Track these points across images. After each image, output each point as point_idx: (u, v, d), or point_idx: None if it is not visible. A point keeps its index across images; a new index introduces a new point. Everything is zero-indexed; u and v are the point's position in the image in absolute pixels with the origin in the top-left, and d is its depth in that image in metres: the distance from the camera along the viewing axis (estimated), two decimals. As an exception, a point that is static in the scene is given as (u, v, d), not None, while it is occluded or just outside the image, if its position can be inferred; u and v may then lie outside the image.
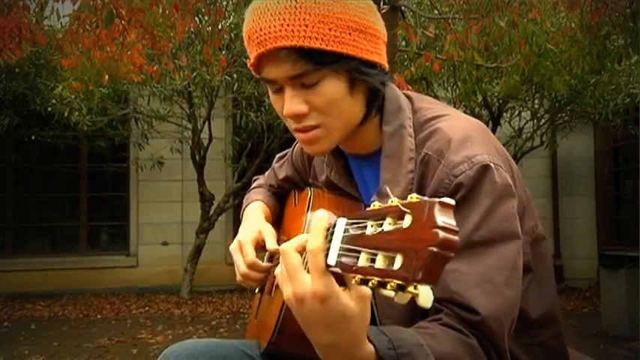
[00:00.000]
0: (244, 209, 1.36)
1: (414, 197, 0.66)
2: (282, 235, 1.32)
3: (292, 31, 0.95)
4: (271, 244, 1.17)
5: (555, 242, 7.97)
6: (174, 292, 7.16)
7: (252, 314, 1.36)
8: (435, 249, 0.61)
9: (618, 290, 4.74)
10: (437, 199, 0.64)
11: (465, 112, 5.45)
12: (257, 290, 1.29)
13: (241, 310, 6.34)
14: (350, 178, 1.18)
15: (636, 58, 5.54)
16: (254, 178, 1.52)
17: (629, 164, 7.94)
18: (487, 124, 6.86)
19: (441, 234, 0.62)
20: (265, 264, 1.18)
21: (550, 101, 7.05)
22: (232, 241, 1.23)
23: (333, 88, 0.99)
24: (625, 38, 4.69)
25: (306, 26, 0.95)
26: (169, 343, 4.48)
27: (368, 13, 1.02)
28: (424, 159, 1.01)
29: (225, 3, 5.85)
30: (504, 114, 7.20)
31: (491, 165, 0.96)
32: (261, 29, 0.96)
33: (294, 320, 0.80)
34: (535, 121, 7.18)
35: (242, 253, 1.17)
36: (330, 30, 0.96)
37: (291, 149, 1.42)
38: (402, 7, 4.89)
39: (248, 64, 1.03)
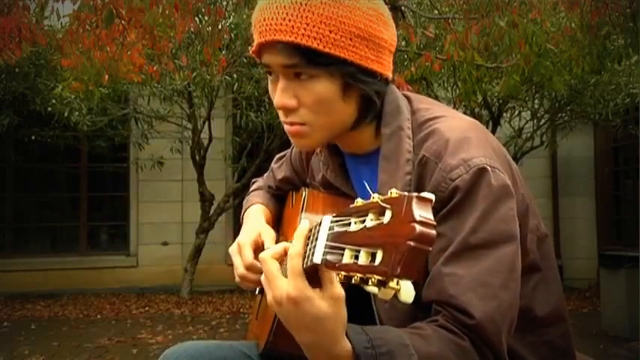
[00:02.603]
0: (244, 212, 1.36)
1: (393, 192, 0.68)
2: (280, 237, 1.32)
3: (292, 27, 0.96)
4: (270, 246, 1.17)
5: (555, 242, 7.97)
6: (174, 292, 7.15)
7: (253, 314, 1.36)
8: (412, 243, 0.63)
9: (618, 290, 4.74)
10: (415, 194, 0.65)
11: (464, 112, 5.46)
12: (257, 291, 1.29)
13: (241, 310, 6.34)
14: (346, 177, 1.18)
15: (636, 58, 5.53)
16: (252, 180, 1.53)
17: (629, 164, 7.93)
18: (487, 124, 6.86)
19: (418, 228, 0.63)
20: None
21: (550, 101, 7.04)
22: (233, 241, 1.23)
23: (324, 88, 1.00)
24: (625, 38, 4.68)
25: (307, 24, 0.96)
26: (169, 343, 4.49)
27: (376, 21, 1.01)
28: (422, 160, 1.02)
29: (225, 3, 5.85)
30: (504, 114, 7.19)
31: (488, 167, 0.96)
32: (264, 19, 0.98)
33: None
34: (535, 121, 7.17)
35: (241, 255, 1.17)
36: (330, 32, 0.96)
37: (289, 150, 1.42)
38: (402, 7, 4.89)
39: (250, 50, 1.05)
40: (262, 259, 0.82)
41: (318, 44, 0.96)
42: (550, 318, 1.08)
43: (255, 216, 1.30)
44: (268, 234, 1.20)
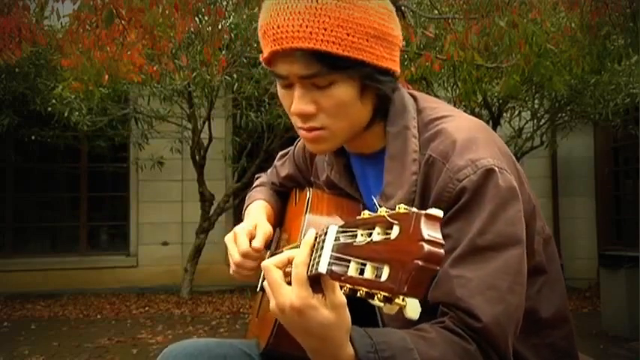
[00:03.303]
0: (246, 207, 1.36)
1: (401, 208, 0.67)
2: (283, 234, 1.31)
3: (310, 33, 0.94)
4: (258, 242, 1.15)
5: (555, 242, 7.85)
6: (174, 292, 7.15)
7: (254, 313, 1.36)
8: (420, 262, 0.63)
9: (618, 290, 4.74)
10: (423, 211, 0.65)
11: (465, 112, 5.45)
12: (258, 289, 1.29)
13: (241, 310, 6.33)
14: (350, 178, 1.17)
15: (636, 58, 5.53)
16: (256, 176, 1.52)
17: (629, 164, 7.93)
18: (487, 124, 6.79)
19: (427, 247, 0.63)
20: (259, 250, 1.16)
21: (550, 101, 7.04)
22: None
23: (343, 92, 0.99)
24: (625, 38, 4.68)
25: (325, 29, 0.94)
26: (169, 343, 4.47)
27: (387, 18, 1.01)
28: (428, 160, 1.01)
29: (225, 3, 5.84)
30: (504, 114, 7.19)
31: (496, 169, 0.96)
32: (278, 27, 0.95)
33: None
34: (535, 121, 7.17)
35: (236, 242, 1.16)
36: (348, 35, 0.95)
37: (293, 147, 1.41)
38: (402, 7, 4.89)
39: (261, 58, 1.03)
40: (266, 268, 0.82)
41: (337, 48, 0.94)
42: (554, 320, 1.08)
43: (256, 211, 1.30)
44: (263, 228, 1.19)
